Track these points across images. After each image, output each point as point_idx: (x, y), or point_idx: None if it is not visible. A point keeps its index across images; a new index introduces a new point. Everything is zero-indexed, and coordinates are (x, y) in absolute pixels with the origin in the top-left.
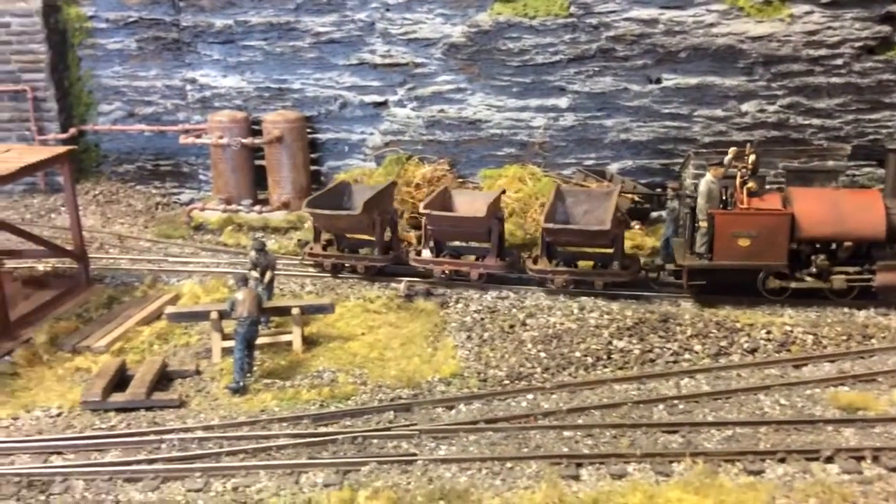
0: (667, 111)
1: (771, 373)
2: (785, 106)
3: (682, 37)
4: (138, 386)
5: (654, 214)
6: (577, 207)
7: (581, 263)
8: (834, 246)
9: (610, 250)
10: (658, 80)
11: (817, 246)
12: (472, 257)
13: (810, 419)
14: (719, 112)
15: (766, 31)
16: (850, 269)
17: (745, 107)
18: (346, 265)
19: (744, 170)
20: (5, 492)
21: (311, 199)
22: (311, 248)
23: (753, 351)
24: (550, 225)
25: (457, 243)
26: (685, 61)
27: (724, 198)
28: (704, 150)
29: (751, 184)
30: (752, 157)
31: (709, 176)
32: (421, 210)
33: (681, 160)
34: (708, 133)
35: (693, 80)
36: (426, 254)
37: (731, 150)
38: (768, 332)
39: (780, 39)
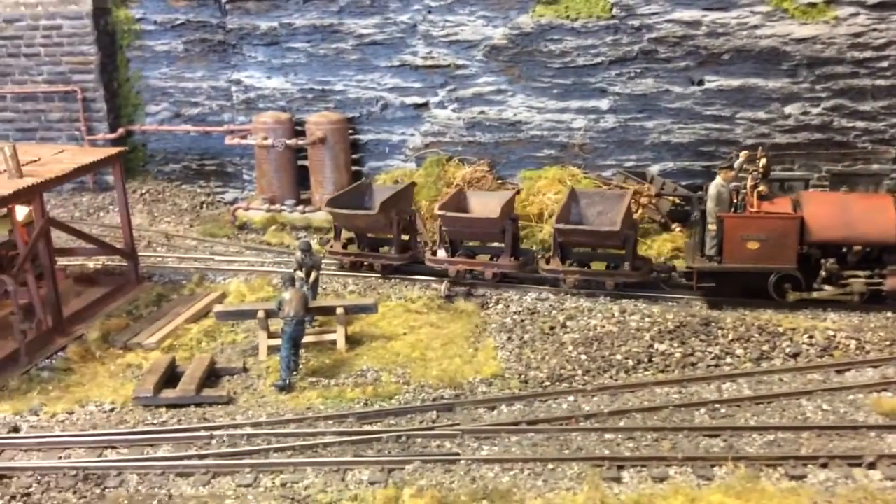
0: (709, 113)
1: (813, 378)
2: (829, 108)
3: (726, 38)
4: (188, 383)
5: (695, 216)
6: (591, 209)
7: (595, 264)
8: (845, 250)
9: (622, 251)
10: (700, 82)
11: (827, 250)
12: (487, 257)
13: (853, 425)
14: (762, 114)
15: (810, 33)
16: (861, 274)
17: (788, 109)
18: (364, 263)
19: (755, 173)
20: (63, 485)
21: (331, 198)
22: (332, 246)
23: (796, 355)
24: (561, 225)
25: (472, 243)
26: (728, 63)
27: (735, 200)
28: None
29: (761, 187)
30: (762, 161)
31: (719, 179)
32: (436, 211)
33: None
34: (750, 135)
35: (736, 82)
36: (441, 253)
37: (743, 153)
38: (811, 337)
39: (825, 41)
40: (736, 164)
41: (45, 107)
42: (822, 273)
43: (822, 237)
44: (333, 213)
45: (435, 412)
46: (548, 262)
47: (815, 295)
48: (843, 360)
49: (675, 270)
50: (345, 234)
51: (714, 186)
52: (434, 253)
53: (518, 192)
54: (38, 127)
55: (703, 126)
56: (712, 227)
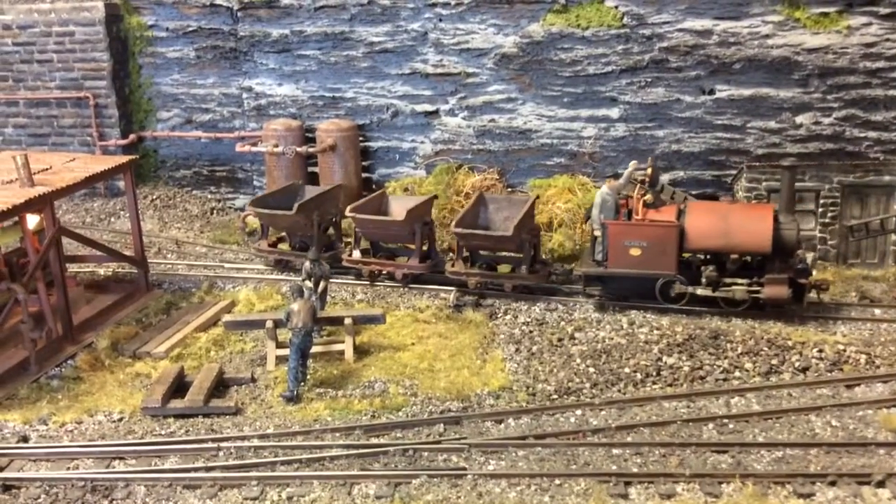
0: (719, 122)
1: (822, 393)
2: (841, 118)
3: (737, 48)
4: (196, 393)
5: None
6: (499, 213)
7: (502, 268)
8: (725, 258)
9: (519, 255)
10: (711, 92)
11: (707, 257)
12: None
13: (862, 442)
14: (773, 124)
15: (822, 42)
16: (741, 281)
17: (799, 119)
18: (288, 261)
19: (642, 182)
20: (71, 496)
21: (257, 197)
22: (259, 245)
23: (805, 370)
24: (459, 229)
25: (392, 244)
26: (739, 73)
27: (627, 208)
28: (758, 164)
29: (648, 196)
30: (649, 171)
31: (605, 188)
32: (347, 213)
33: (733, 172)
34: (761, 145)
35: (747, 92)
36: (356, 254)
37: (632, 163)
38: (820, 351)
39: (837, 51)
40: (625, 174)
41: (57, 112)
42: (703, 280)
43: (700, 245)
44: (257, 213)
45: (442, 425)
46: (453, 264)
47: (691, 290)
48: (852, 374)
49: (573, 274)
50: (276, 234)
51: (599, 194)
52: (350, 253)
53: (435, 198)
54: (50, 132)
55: (714, 135)
56: (597, 232)
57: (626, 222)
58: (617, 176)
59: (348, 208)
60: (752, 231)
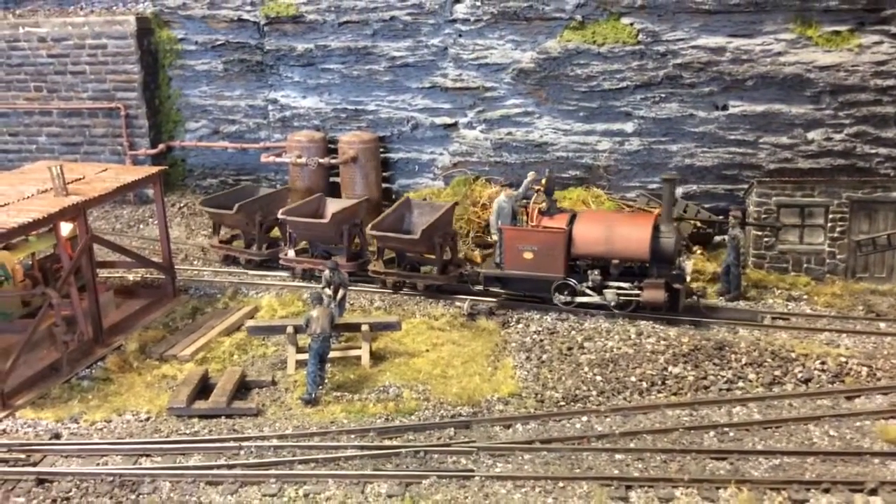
0: (732, 137)
1: (823, 403)
2: (852, 135)
3: (750, 65)
4: (220, 395)
5: (717, 239)
6: (421, 218)
7: (425, 269)
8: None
9: (432, 256)
10: (724, 107)
11: (593, 262)
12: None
13: (857, 451)
14: (785, 139)
15: (834, 60)
16: (624, 285)
17: (811, 135)
18: (235, 258)
19: (539, 191)
20: (100, 490)
21: (208, 197)
22: (212, 242)
23: (807, 381)
24: (374, 232)
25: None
26: (752, 89)
27: (525, 216)
28: (769, 179)
29: (542, 204)
30: (544, 181)
31: (502, 196)
32: (279, 215)
33: (745, 186)
34: (773, 160)
35: (759, 108)
36: (291, 253)
37: (531, 174)
38: (823, 363)
39: (849, 69)
40: (523, 184)
41: (89, 122)
42: (589, 283)
43: (586, 251)
44: (206, 211)
45: (452, 429)
46: (374, 265)
47: (577, 300)
48: (853, 386)
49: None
50: (231, 232)
51: (496, 202)
52: (286, 253)
53: (366, 202)
54: (82, 142)
55: (727, 150)
56: (495, 237)
57: (519, 228)
58: (513, 185)
59: (280, 211)
60: (632, 239)
